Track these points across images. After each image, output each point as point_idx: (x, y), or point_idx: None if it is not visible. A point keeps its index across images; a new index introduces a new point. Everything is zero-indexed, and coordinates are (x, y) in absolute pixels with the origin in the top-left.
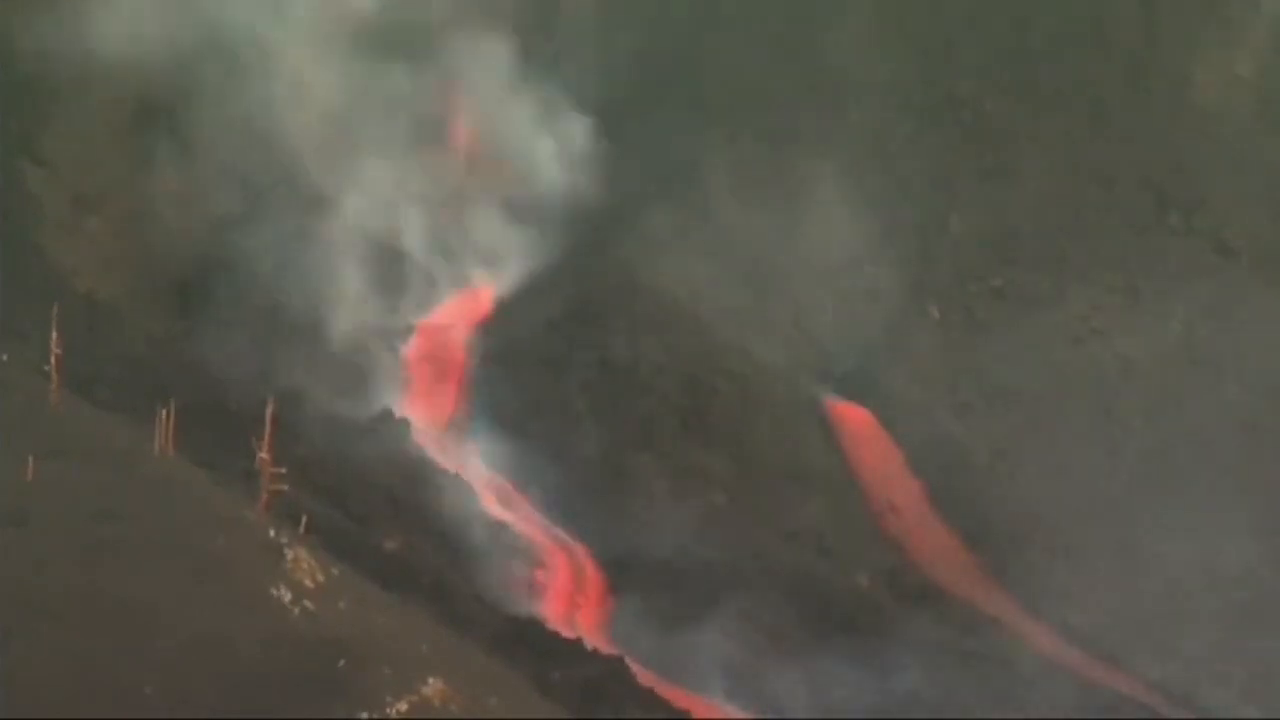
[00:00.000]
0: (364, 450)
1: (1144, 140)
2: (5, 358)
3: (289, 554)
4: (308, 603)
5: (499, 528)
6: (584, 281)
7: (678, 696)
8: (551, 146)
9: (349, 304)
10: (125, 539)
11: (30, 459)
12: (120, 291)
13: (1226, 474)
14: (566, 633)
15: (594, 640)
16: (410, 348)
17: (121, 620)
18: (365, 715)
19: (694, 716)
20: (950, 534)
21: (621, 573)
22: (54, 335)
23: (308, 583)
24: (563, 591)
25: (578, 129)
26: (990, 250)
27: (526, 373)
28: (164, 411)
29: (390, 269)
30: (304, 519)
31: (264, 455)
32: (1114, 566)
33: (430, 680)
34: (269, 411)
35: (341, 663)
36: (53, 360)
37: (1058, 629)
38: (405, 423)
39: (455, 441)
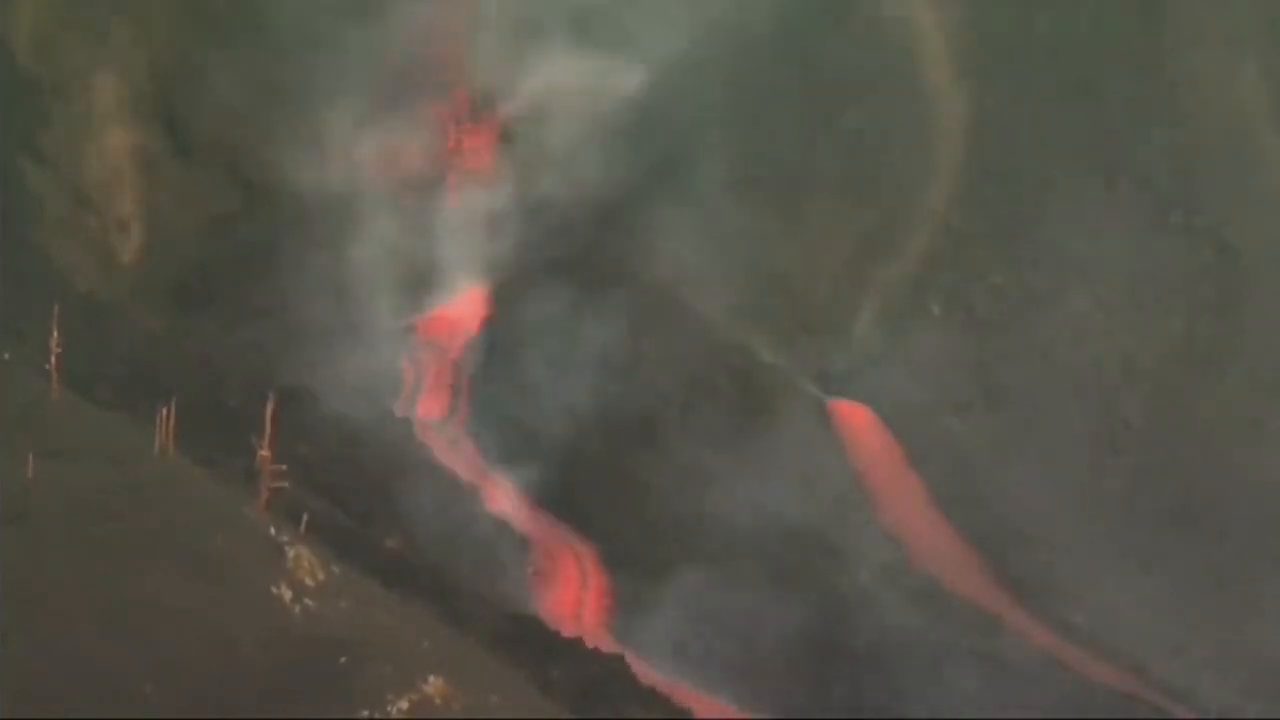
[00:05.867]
0: (365, 449)
1: (1144, 140)
2: (6, 356)
3: (290, 552)
4: (308, 601)
5: (499, 526)
6: (584, 279)
7: (678, 694)
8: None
9: (350, 302)
10: (125, 537)
11: (31, 457)
12: (120, 291)
13: (1227, 473)
14: (567, 631)
15: (594, 638)
16: (411, 346)
17: (122, 619)
18: (366, 713)
19: (694, 715)
20: (951, 533)
21: (622, 571)
22: (54, 334)
23: (308, 581)
24: (563, 589)
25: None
26: (991, 248)
27: (527, 371)
28: (164, 410)
29: (391, 266)
30: (305, 517)
31: (264, 454)
32: (1114, 566)
33: (431, 678)
34: (269, 410)
35: (342, 660)
36: (53, 359)
37: (1058, 629)
38: (406, 421)
39: (456, 439)
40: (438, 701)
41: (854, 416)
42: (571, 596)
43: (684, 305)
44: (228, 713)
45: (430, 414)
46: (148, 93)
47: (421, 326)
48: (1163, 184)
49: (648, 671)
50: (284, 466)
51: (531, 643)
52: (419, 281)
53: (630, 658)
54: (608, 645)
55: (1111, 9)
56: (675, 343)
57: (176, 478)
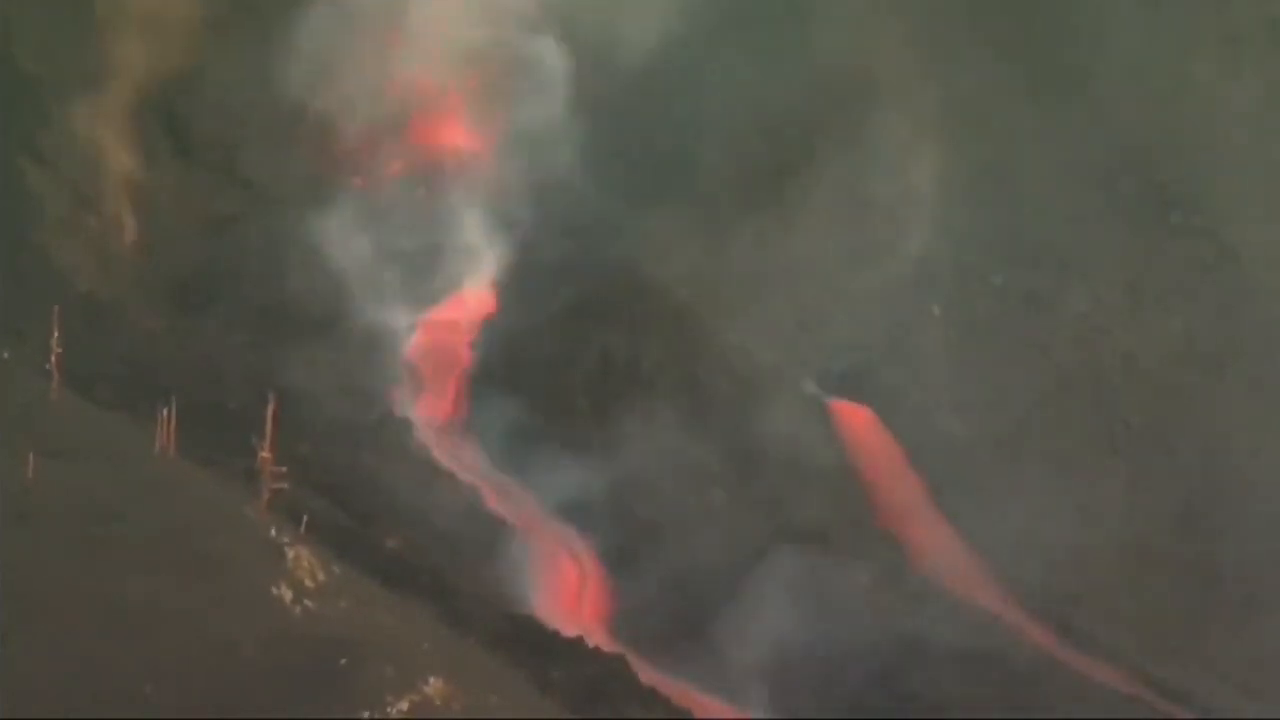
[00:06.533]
0: (365, 449)
1: (1144, 140)
2: (6, 355)
3: (290, 553)
4: (309, 602)
5: (500, 526)
6: (585, 280)
7: (679, 695)
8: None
9: (350, 301)
10: (126, 538)
11: (31, 458)
12: (120, 291)
13: (1227, 473)
14: (567, 631)
15: (595, 638)
16: (411, 346)
17: (121, 619)
18: (366, 714)
19: (695, 716)
20: (951, 533)
21: (623, 571)
22: (54, 334)
23: (308, 582)
24: (564, 590)
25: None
26: (991, 249)
27: (528, 371)
28: (165, 410)
29: (391, 266)
30: (305, 518)
31: (265, 454)
32: (1113, 566)
33: (431, 679)
34: (270, 410)
35: (342, 661)
36: (53, 359)
37: (1057, 629)
38: (406, 421)
39: (456, 440)
40: (438, 702)
41: (854, 416)
42: (571, 596)
43: (684, 305)
44: (228, 713)
45: (431, 414)
46: (148, 93)
47: (422, 326)
48: (1163, 184)
49: (648, 671)
50: (284, 467)
51: (531, 643)
52: (420, 281)
53: (630, 658)
54: (608, 645)
55: (1111, 9)
56: (675, 343)
57: (176, 478)
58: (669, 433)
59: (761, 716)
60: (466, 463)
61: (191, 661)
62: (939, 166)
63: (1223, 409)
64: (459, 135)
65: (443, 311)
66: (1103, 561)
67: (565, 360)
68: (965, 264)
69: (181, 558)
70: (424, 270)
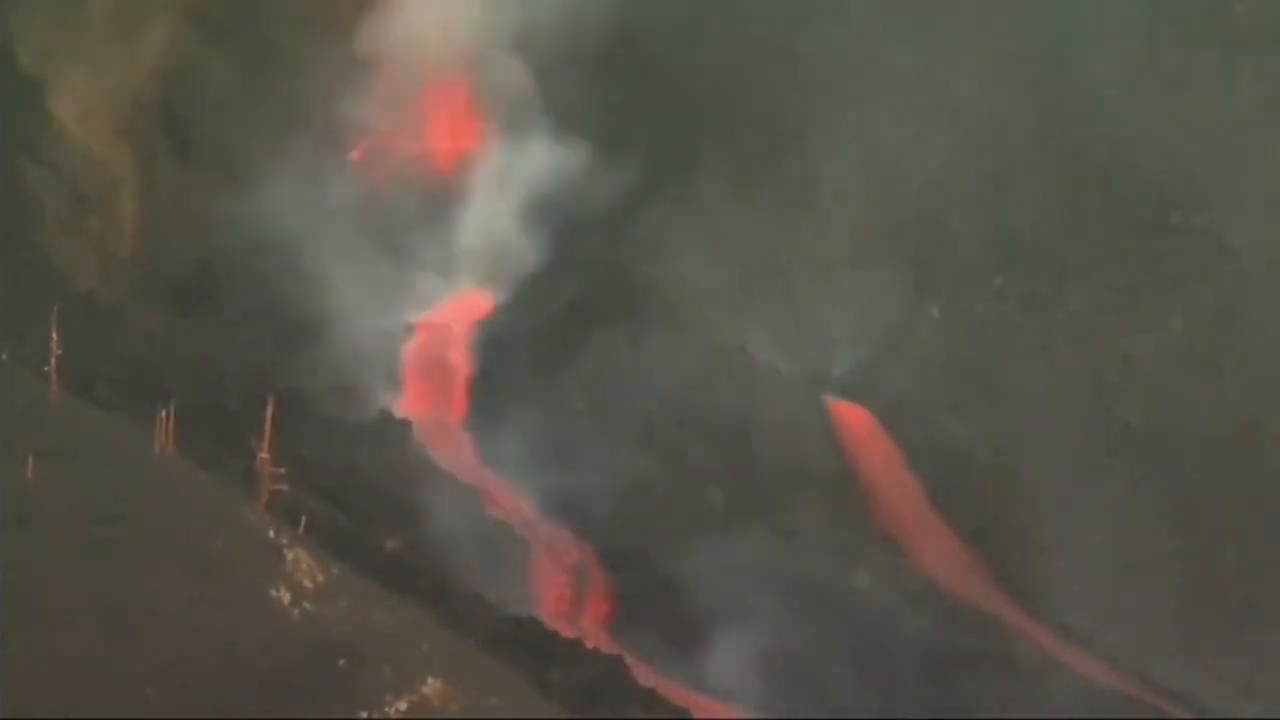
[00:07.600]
0: (364, 450)
1: (1144, 140)
2: (5, 357)
3: (289, 554)
4: (307, 603)
5: (499, 527)
6: (584, 281)
7: (678, 696)
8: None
9: (349, 302)
10: (125, 539)
11: (30, 459)
12: (120, 291)
13: (1227, 474)
14: (567, 632)
15: (594, 639)
16: (410, 347)
17: (121, 620)
18: (365, 715)
19: (694, 716)
20: (950, 534)
21: (622, 573)
22: (54, 335)
23: (307, 583)
24: (563, 591)
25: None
26: (990, 250)
27: (526, 372)
28: (164, 411)
29: (390, 267)
30: (304, 519)
31: (264, 455)
32: (1114, 566)
33: (430, 680)
34: (269, 411)
35: (341, 662)
36: (53, 360)
37: (1057, 630)
38: (406, 422)
39: (455, 441)
40: (436, 703)
41: (853, 417)
42: (571, 597)
43: (683, 306)
44: (227, 713)
45: (430, 414)
46: (147, 93)
47: (422, 326)
48: (1163, 184)
49: (647, 672)
50: (283, 468)
51: (531, 644)
52: (418, 281)
53: (630, 659)
54: (607, 646)
55: (1112, 9)
56: (675, 343)
57: (176, 478)
58: (668, 434)
59: (759, 716)
60: (466, 463)
61: (191, 662)
62: (939, 167)
63: (1221, 410)
64: (458, 135)
65: (441, 313)
66: (1102, 562)
67: (564, 360)
68: (965, 264)
69: (181, 558)
70: (422, 271)
